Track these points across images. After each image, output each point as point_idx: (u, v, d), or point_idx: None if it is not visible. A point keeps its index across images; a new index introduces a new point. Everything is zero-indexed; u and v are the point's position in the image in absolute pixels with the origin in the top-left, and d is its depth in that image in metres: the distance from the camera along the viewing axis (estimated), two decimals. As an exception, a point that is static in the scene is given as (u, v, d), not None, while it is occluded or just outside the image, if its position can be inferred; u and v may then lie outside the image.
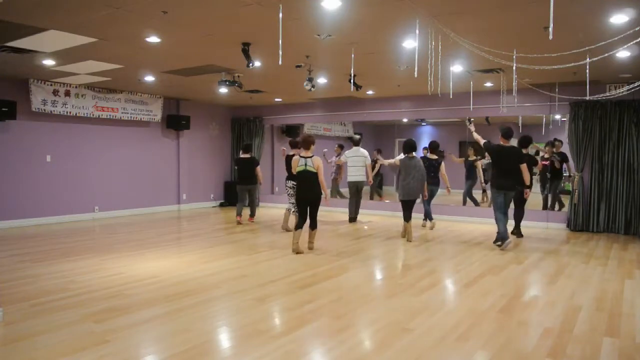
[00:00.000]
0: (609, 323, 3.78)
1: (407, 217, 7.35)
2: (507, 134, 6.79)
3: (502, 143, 6.78)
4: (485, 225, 8.98)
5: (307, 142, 6.33)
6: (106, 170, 9.99)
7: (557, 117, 9.39)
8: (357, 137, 9.44)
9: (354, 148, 9.27)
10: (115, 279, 5.04)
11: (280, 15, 4.48)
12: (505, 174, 6.67)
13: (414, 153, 7.33)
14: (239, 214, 9.09)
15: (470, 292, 4.61)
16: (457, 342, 3.37)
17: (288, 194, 8.10)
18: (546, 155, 9.27)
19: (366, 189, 10.00)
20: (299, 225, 6.32)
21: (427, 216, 8.64)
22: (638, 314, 4.00)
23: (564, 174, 9.42)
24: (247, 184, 9.12)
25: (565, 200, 9.21)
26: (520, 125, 10.45)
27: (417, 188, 7.26)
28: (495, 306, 4.18)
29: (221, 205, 12.47)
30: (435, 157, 8.35)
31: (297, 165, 6.24)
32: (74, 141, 9.45)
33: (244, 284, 4.85)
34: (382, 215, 10.37)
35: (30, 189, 8.80)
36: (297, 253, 6.29)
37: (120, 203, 10.29)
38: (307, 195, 6.25)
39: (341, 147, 11.22)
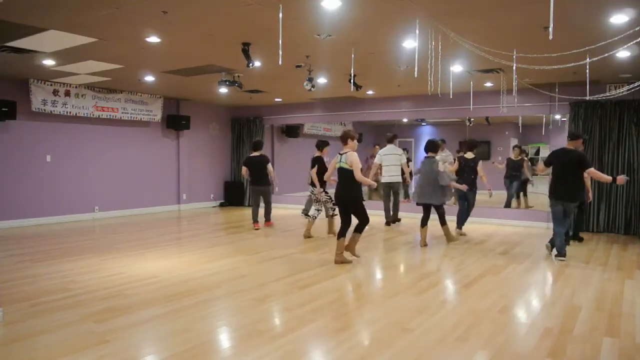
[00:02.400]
0: (609, 323, 3.77)
1: (422, 222, 6.94)
2: (574, 135, 6.11)
3: (567, 146, 6.06)
4: (485, 225, 8.98)
5: (345, 137, 5.69)
6: (106, 170, 9.99)
7: (557, 117, 9.40)
8: (390, 134, 8.93)
9: (389, 146, 8.71)
10: (115, 279, 5.03)
11: (280, 15, 4.48)
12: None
13: (432, 154, 6.90)
14: (256, 220, 8.50)
15: (470, 292, 4.61)
16: (457, 342, 3.37)
17: (323, 201, 7.58)
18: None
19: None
20: (342, 233, 5.72)
21: (458, 222, 7.75)
22: (638, 314, 4.00)
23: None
24: (260, 185, 8.51)
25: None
26: (520, 125, 10.47)
27: (427, 191, 6.75)
28: (495, 306, 4.17)
29: (221, 205, 12.46)
30: (472, 156, 7.51)
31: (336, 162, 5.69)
32: (74, 141, 9.44)
33: (244, 284, 4.85)
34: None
35: (30, 189, 8.80)
36: (342, 263, 5.74)
37: (120, 203, 10.28)
38: (341, 195, 5.66)
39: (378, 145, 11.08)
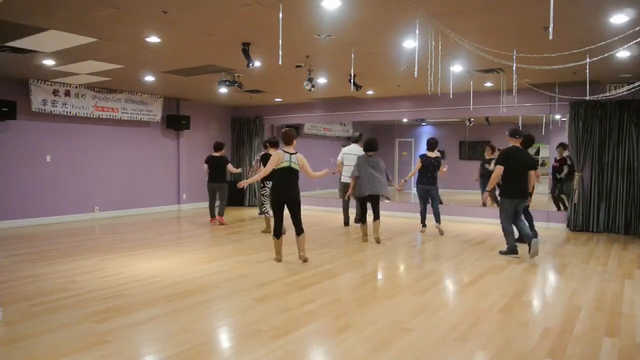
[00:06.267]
0: (609, 323, 3.78)
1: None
2: (518, 134, 6.28)
3: (515, 145, 6.24)
4: (485, 225, 8.98)
5: (290, 137, 5.76)
6: (106, 170, 9.99)
7: (557, 117, 9.40)
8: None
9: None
10: (115, 279, 5.03)
11: (280, 15, 4.48)
12: (518, 181, 6.11)
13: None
14: (213, 215, 9.34)
15: (470, 292, 4.61)
16: (457, 342, 3.37)
17: (265, 196, 7.81)
18: (557, 157, 9.18)
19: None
20: (279, 232, 5.82)
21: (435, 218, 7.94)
22: (638, 314, 4.00)
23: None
24: (218, 182, 9.20)
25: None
26: (520, 125, 10.47)
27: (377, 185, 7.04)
28: (495, 306, 4.17)
29: (221, 205, 12.44)
30: (435, 155, 7.88)
31: (281, 160, 5.60)
32: (74, 141, 9.44)
33: (244, 284, 4.85)
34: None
35: (30, 189, 8.79)
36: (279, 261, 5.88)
37: (120, 203, 10.28)
38: (285, 196, 5.70)
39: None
